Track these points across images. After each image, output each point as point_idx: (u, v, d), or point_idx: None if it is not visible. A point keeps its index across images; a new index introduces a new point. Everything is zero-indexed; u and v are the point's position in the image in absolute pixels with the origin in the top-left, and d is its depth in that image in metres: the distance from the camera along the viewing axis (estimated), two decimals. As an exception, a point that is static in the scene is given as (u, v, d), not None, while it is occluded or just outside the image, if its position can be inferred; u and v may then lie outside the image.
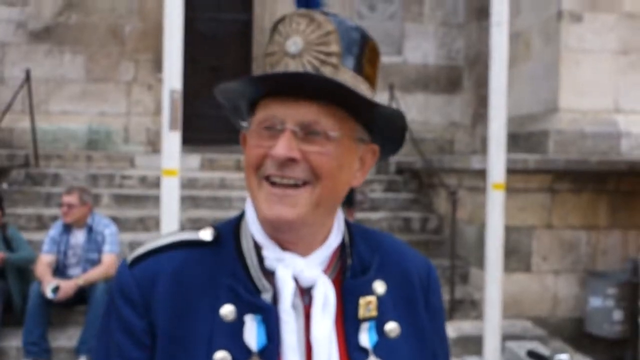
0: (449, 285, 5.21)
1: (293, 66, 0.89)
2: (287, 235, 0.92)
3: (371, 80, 0.96)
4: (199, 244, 0.96)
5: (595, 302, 5.14)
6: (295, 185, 0.89)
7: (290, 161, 0.88)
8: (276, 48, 0.91)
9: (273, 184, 0.89)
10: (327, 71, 0.89)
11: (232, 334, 0.89)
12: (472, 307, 5.38)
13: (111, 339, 0.93)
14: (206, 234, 0.97)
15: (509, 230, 4.77)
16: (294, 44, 0.89)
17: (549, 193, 5.41)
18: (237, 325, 0.90)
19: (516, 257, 5.34)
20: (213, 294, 0.91)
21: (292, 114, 0.89)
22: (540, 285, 5.42)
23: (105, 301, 0.98)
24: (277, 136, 0.89)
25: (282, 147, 0.87)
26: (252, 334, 0.89)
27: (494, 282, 3.74)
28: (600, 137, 5.74)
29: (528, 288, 5.39)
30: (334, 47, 0.90)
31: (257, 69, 8.08)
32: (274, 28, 0.94)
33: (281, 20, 0.94)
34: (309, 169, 0.89)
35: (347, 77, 0.91)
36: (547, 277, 5.43)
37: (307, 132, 0.89)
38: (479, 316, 4.91)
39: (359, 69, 0.93)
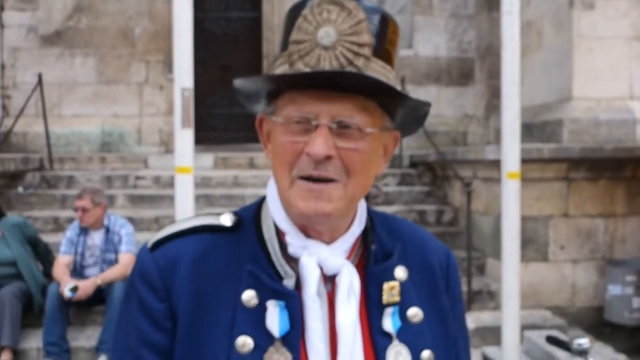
0: (466, 276, 5.17)
1: (326, 58, 0.86)
2: (319, 227, 0.92)
3: (393, 65, 0.93)
4: (220, 229, 0.96)
5: (615, 290, 5.09)
6: (327, 181, 0.88)
7: (325, 158, 0.87)
8: (305, 37, 0.87)
9: (306, 179, 0.88)
10: (360, 63, 0.86)
11: (254, 320, 0.89)
12: (490, 298, 5.35)
13: (131, 323, 0.93)
14: (226, 219, 0.97)
15: (525, 220, 4.73)
16: (326, 35, 0.86)
17: (565, 182, 5.36)
18: (259, 311, 0.89)
19: (533, 246, 5.30)
20: (234, 280, 0.91)
21: (327, 108, 0.87)
22: (558, 275, 5.38)
23: (125, 285, 0.97)
24: (309, 131, 0.87)
25: (321, 144, 0.86)
26: (275, 320, 0.89)
27: (511, 272, 3.70)
28: (615, 125, 5.67)
29: (546, 278, 5.34)
30: (366, 38, 0.87)
31: (269, 66, 8.06)
32: (297, 14, 0.89)
33: (303, 5, 0.89)
34: (341, 167, 0.88)
35: (379, 67, 0.89)
36: (565, 267, 5.39)
37: (341, 127, 0.87)
38: (497, 307, 4.88)
39: (385, 57, 0.90)
